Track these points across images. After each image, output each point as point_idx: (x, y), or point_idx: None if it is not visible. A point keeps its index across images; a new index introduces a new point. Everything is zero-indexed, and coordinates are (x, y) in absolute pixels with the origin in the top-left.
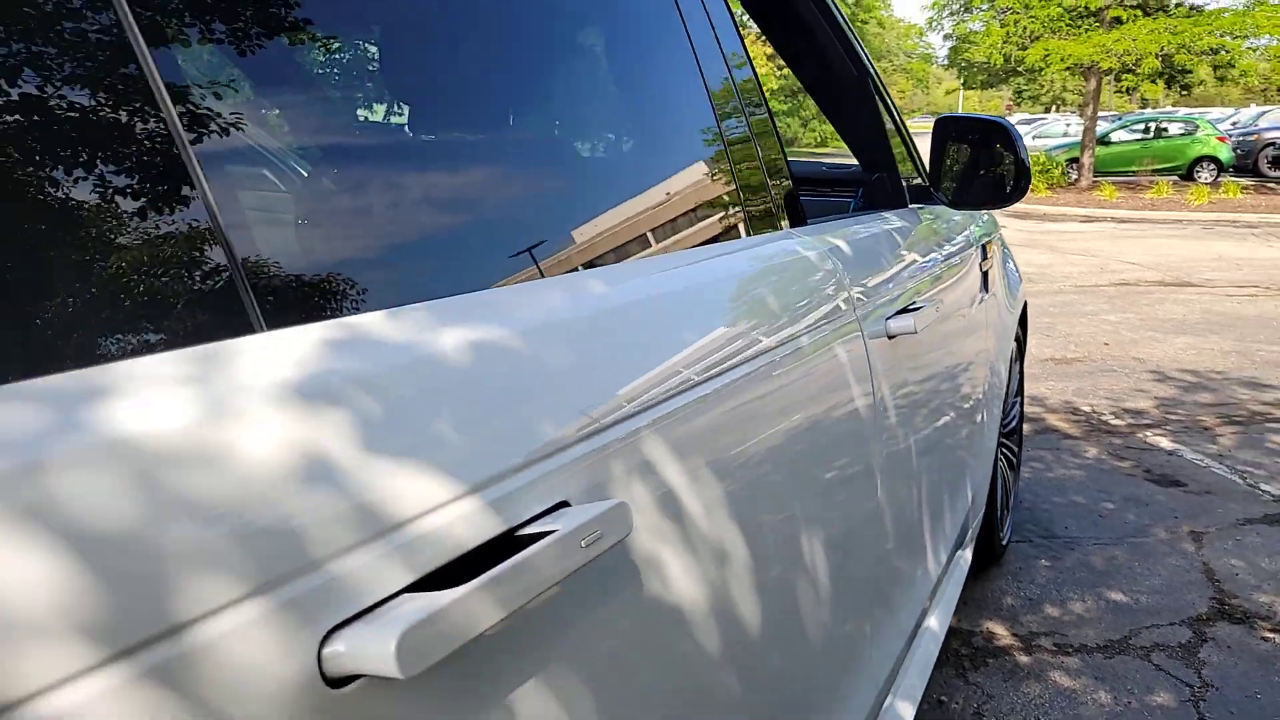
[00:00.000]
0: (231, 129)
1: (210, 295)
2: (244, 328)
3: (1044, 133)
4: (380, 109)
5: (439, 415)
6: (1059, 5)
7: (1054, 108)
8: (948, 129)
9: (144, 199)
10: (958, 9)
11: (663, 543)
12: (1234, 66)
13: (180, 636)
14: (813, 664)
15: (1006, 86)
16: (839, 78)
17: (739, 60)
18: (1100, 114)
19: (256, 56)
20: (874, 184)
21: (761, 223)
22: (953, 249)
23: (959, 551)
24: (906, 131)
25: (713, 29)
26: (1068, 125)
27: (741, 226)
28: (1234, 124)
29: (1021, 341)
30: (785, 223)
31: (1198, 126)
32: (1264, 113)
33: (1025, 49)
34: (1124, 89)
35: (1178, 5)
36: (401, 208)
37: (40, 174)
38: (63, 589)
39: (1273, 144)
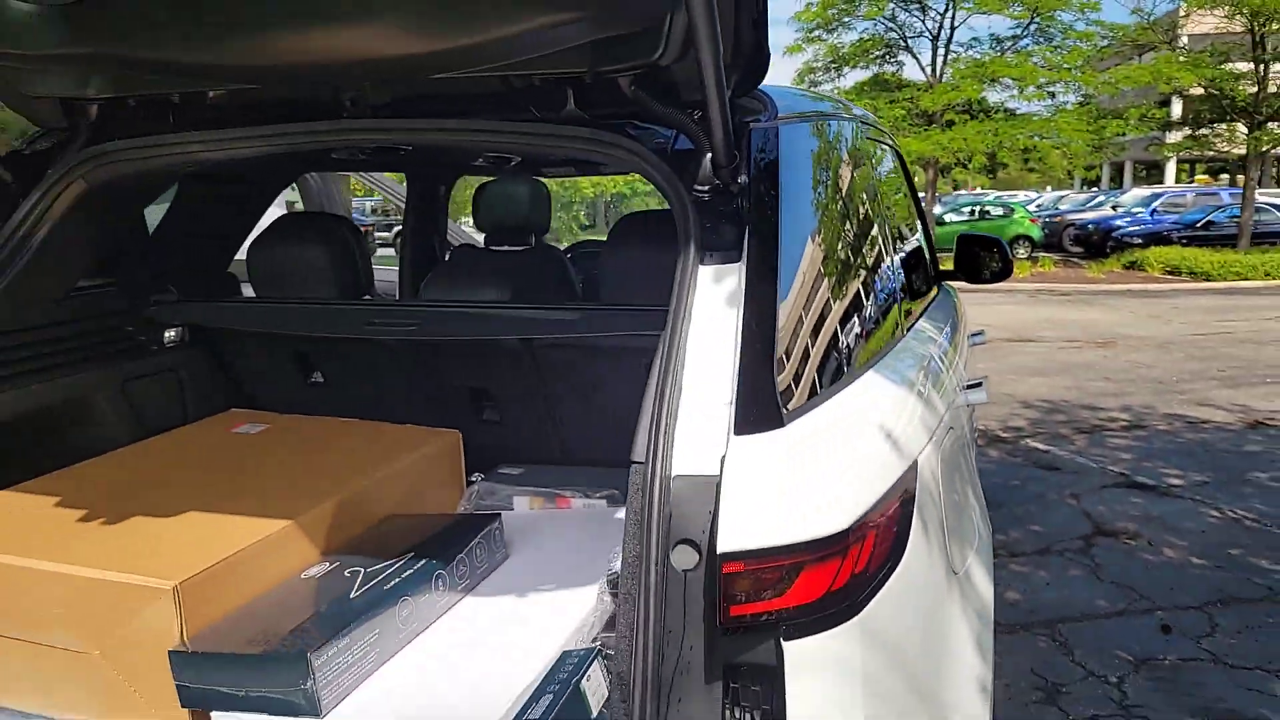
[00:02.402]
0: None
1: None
2: None
3: None
4: None
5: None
6: (901, 109)
7: None
8: (967, 240)
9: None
10: None
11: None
12: (1043, 160)
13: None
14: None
15: None
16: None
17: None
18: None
19: None
20: (921, 268)
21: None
22: (961, 302)
23: None
24: (931, 236)
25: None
26: None
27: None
28: (1038, 206)
29: None
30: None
31: (1014, 210)
32: (1062, 196)
33: None
34: (951, 179)
35: (997, 112)
36: None
37: None
38: None
39: (1073, 224)
